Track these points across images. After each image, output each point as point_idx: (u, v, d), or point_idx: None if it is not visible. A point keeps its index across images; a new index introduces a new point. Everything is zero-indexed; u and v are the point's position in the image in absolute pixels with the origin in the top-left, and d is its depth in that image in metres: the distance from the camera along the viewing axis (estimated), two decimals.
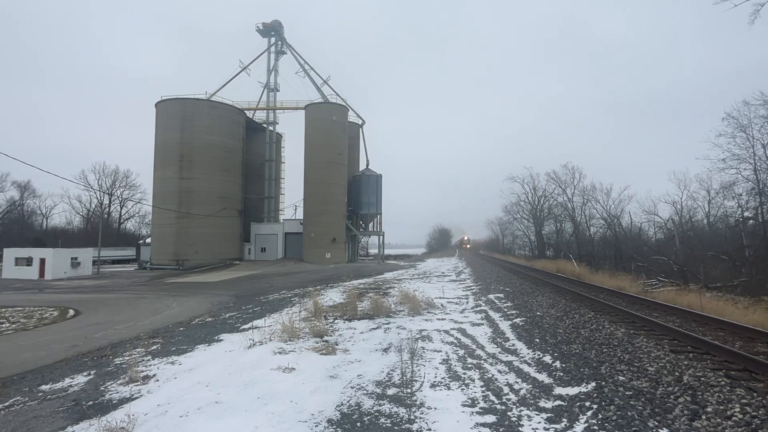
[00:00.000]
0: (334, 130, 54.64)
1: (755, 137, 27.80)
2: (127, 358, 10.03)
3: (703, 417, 5.22)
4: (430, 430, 5.44)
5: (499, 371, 7.81)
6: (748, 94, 42.83)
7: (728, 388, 6.07)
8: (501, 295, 18.40)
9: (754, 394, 5.81)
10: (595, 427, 5.22)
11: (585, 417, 5.55)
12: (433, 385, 7.07)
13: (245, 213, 56.30)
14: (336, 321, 13.38)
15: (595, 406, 5.79)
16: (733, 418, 5.13)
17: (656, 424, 5.12)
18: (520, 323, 12.09)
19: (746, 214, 30.15)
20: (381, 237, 62.03)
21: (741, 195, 30.04)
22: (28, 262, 40.19)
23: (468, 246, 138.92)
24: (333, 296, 19.94)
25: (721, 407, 5.45)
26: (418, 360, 8.52)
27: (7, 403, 7.45)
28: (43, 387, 8.31)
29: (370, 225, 62.47)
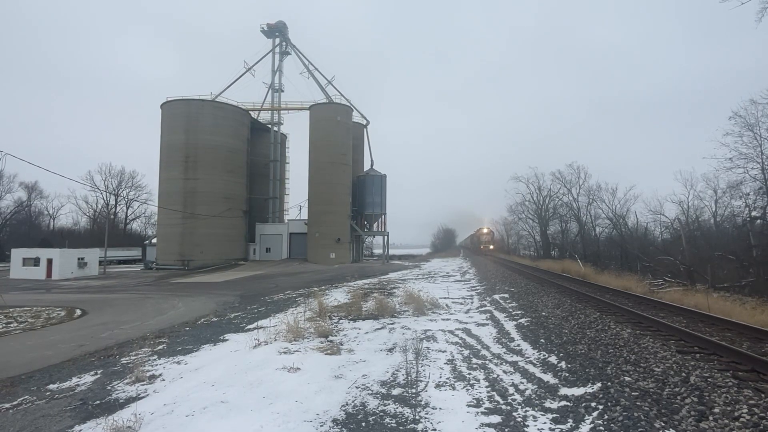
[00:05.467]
0: (338, 131, 54.70)
1: (763, 136, 27.60)
2: (134, 357, 10.10)
3: (711, 418, 5.18)
4: (435, 430, 5.43)
5: (504, 371, 7.79)
6: (755, 92, 42.47)
7: (736, 389, 6.03)
8: (506, 296, 18.35)
9: (762, 395, 5.77)
10: (601, 428, 5.19)
11: (591, 417, 5.53)
12: (438, 385, 7.07)
13: (250, 213, 56.48)
14: (341, 321, 13.40)
15: (600, 407, 5.77)
16: (741, 419, 5.09)
17: (663, 425, 5.09)
18: (525, 323, 12.05)
19: (754, 213, 29.88)
20: (385, 237, 61.99)
21: (748, 194, 29.80)
22: (36, 262, 40.54)
23: (490, 246, 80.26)
24: (337, 296, 19.97)
25: (729, 408, 5.41)
26: (422, 360, 8.52)
27: (15, 402, 7.52)
28: (51, 386, 8.38)
29: (375, 225, 62.45)
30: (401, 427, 5.52)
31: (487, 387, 6.96)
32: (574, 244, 54.80)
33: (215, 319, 15.76)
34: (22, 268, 40.55)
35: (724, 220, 38.29)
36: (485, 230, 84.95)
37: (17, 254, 41.77)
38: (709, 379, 6.42)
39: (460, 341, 10.34)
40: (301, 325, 11.35)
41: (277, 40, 61.92)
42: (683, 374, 6.71)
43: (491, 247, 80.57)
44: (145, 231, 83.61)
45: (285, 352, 9.35)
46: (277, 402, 6.43)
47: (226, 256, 50.88)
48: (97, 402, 7.14)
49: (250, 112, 58.11)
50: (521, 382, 7.13)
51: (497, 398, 6.44)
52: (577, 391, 6.47)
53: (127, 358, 10.11)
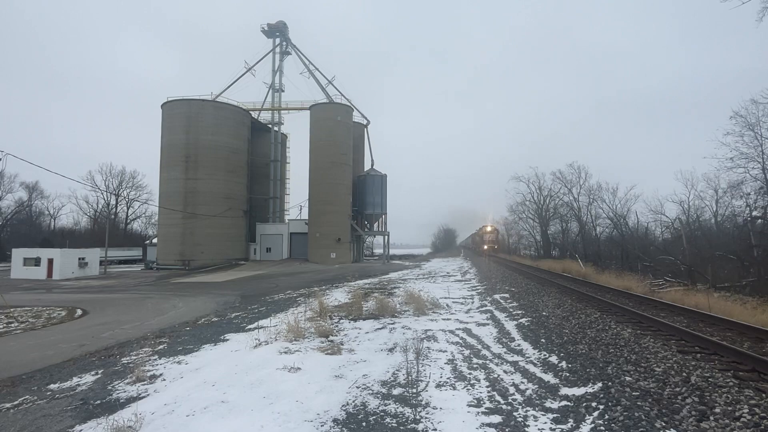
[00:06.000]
0: (338, 131, 54.74)
1: (763, 135, 27.61)
2: (134, 357, 10.10)
3: (711, 418, 5.18)
4: (435, 430, 5.43)
5: (505, 371, 7.79)
6: (756, 92, 42.44)
7: (736, 388, 6.03)
8: (506, 295, 18.34)
9: (763, 395, 5.76)
10: (602, 428, 5.19)
11: (591, 417, 5.53)
12: (438, 385, 7.07)
13: (250, 213, 56.52)
14: (341, 321, 13.40)
15: (601, 407, 5.76)
16: (742, 419, 5.08)
17: (664, 424, 5.09)
18: (526, 323, 12.05)
19: (754, 213, 29.90)
20: (386, 237, 62.02)
21: (749, 194, 29.83)
22: (36, 262, 40.58)
23: (495, 246, 71.25)
24: (338, 296, 19.97)
25: (729, 408, 5.40)
26: (423, 360, 8.51)
27: (16, 402, 7.52)
28: (52, 386, 8.38)
29: (375, 225, 62.50)
30: (402, 427, 5.52)
31: (487, 387, 6.95)
32: (574, 244, 54.77)
33: (216, 319, 15.76)
34: (23, 268, 40.60)
35: (725, 220, 38.28)
36: (489, 228, 74.84)
37: (18, 254, 41.82)
38: (709, 379, 6.41)
39: (460, 341, 10.34)
40: (301, 325, 11.34)
41: (278, 40, 61.94)
42: (684, 374, 6.71)
43: (496, 247, 71.66)
44: (146, 231, 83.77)
45: (285, 352, 9.35)
46: (277, 402, 6.43)
47: (227, 256, 50.92)
48: (98, 402, 7.14)
49: (251, 112, 58.15)
50: (522, 382, 7.12)
51: (498, 398, 6.43)
52: (578, 391, 6.46)
53: (128, 358, 10.12)
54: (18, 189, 75.16)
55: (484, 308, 15.48)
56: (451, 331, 11.44)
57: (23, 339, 13.69)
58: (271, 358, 8.96)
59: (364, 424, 5.65)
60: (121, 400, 7.15)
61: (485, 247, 71.31)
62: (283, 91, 61.68)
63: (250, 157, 56.38)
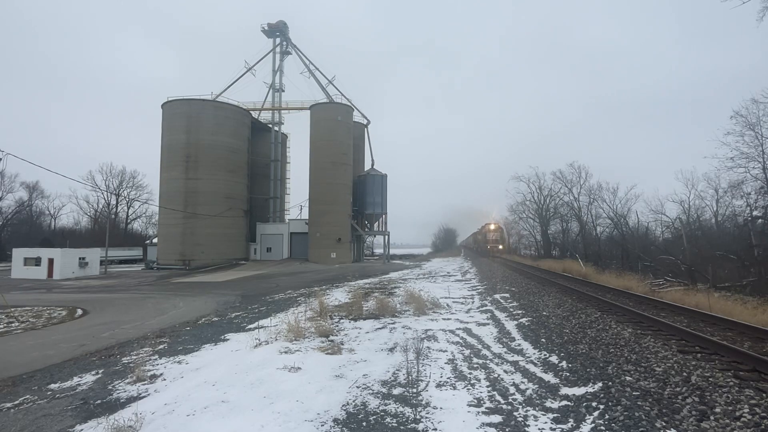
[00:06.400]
0: (339, 130, 54.73)
1: (764, 135, 27.57)
2: (135, 357, 10.11)
3: (712, 418, 5.17)
4: (435, 429, 5.43)
5: (505, 371, 7.79)
6: (756, 91, 42.43)
7: (737, 388, 6.02)
8: (507, 295, 18.33)
9: (764, 395, 5.76)
10: (602, 428, 5.19)
11: (592, 417, 5.52)
12: (438, 385, 7.07)
13: (251, 213, 56.54)
14: (341, 321, 13.40)
15: (602, 407, 5.76)
16: (742, 419, 5.08)
17: (664, 424, 5.08)
18: (526, 323, 12.04)
19: (755, 213, 29.87)
20: (386, 237, 61.99)
21: (750, 194, 29.80)
22: (37, 262, 40.59)
23: (499, 246, 65.57)
24: (338, 296, 19.97)
25: (730, 408, 5.40)
26: (423, 360, 8.51)
27: (16, 402, 7.53)
28: (52, 386, 8.39)
29: (376, 225, 62.48)
30: (402, 427, 5.52)
31: (487, 387, 6.95)
32: (575, 244, 54.78)
33: (216, 319, 15.77)
34: (24, 268, 40.61)
35: (726, 220, 38.31)
36: (492, 226, 67.67)
37: (18, 254, 41.84)
38: (710, 379, 6.41)
39: (460, 341, 10.34)
40: (301, 324, 11.36)
41: (278, 40, 61.92)
42: (684, 374, 6.71)
43: (500, 247, 65.81)
44: (146, 231, 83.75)
45: (286, 352, 9.36)
46: (278, 401, 6.43)
47: (227, 256, 50.93)
48: (98, 401, 7.15)
49: (251, 111, 58.14)
50: (522, 382, 7.12)
51: (498, 398, 6.43)
52: (578, 391, 6.46)
53: (128, 358, 10.12)
54: (18, 189, 75.24)
55: (484, 308, 15.48)
56: (452, 331, 11.44)
57: (24, 339, 13.70)
58: (271, 357, 8.97)
59: (364, 423, 5.65)
60: (122, 400, 7.16)
61: (488, 246, 66.18)
62: (283, 91, 61.74)
63: (250, 157, 56.38)
